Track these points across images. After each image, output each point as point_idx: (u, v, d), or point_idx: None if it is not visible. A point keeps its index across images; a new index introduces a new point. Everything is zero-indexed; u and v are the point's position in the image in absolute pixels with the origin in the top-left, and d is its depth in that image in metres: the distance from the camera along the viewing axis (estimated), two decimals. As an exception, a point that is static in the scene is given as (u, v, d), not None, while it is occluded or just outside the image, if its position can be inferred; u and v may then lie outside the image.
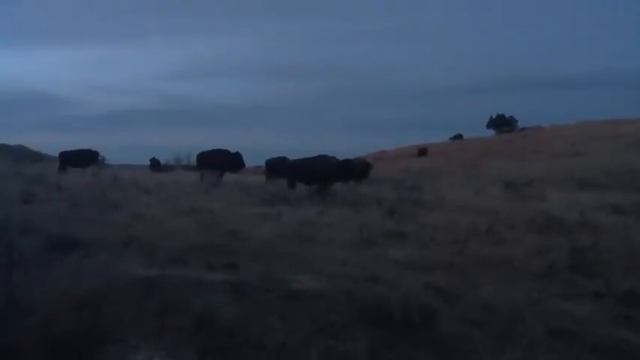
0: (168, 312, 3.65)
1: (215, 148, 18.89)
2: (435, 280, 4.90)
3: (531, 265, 6.01)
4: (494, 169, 24.80)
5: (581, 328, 3.93)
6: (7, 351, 2.89)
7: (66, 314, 3.21)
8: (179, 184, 15.46)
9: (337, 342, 3.39)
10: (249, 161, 20.16)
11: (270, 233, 7.44)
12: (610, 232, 8.24)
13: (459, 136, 50.43)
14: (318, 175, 14.25)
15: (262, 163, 22.52)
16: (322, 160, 14.53)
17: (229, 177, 17.89)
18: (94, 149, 22.15)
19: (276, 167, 18.52)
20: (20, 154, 33.62)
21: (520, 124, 49.23)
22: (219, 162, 17.88)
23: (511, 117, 51.14)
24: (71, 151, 21.55)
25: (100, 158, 23.23)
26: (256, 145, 60.24)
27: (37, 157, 35.05)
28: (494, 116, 51.47)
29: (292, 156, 17.08)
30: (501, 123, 50.46)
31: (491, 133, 49.53)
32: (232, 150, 18.45)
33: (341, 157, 15.30)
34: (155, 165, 28.53)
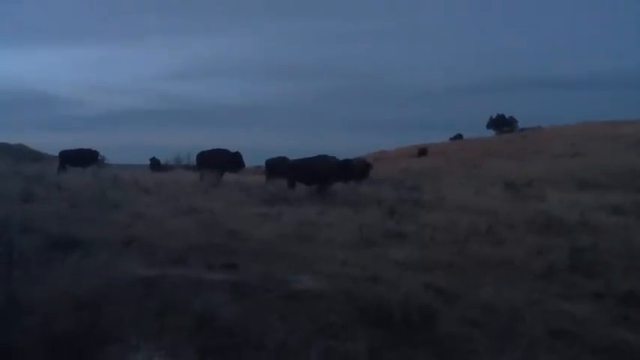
0: (168, 312, 3.65)
1: (215, 147, 18.87)
2: (435, 281, 4.90)
3: (531, 265, 6.01)
4: (494, 169, 24.81)
5: (581, 329, 3.93)
6: (7, 350, 2.89)
7: (66, 314, 3.21)
8: (179, 183, 15.45)
9: (337, 342, 3.39)
10: (249, 161, 20.16)
11: (270, 233, 7.44)
12: (610, 233, 8.24)
13: (459, 137, 50.45)
14: (318, 175, 14.25)
15: (262, 163, 22.52)
16: (322, 160, 14.53)
17: (229, 177, 17.87)
18: (94, 149, 22.17)
19: (276, 167, 18.52)
20: (20, 154, 33.60)
21: (520, 125, 49.26)
22: (219, 162, 17.86)
23: (511, 117, 51.16)
24: (71, 151, 21.53)
25: (100, 158, 23.22)
26: (256, 145, 60.34)
27: (37, 157, 35.07)
28: (494, 116, 51.48)
29: (292, 156, 17.09)
30: (501, 123, 50.48)
31: (491, 133, 49.56)
32: (232, 150, 18.45)
33: (341, 157, 15.32)
34: (155, 165, 28.51)
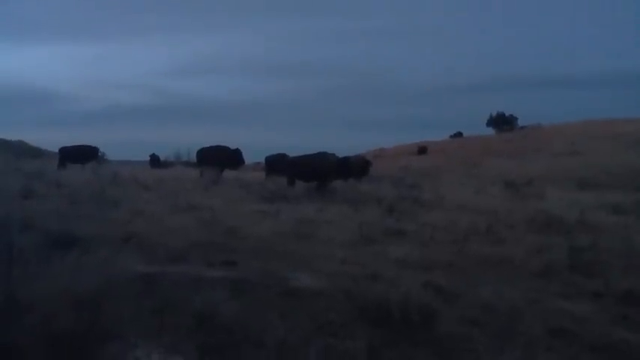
0: (167, 309, 3.66)
1: (215, 144, 18.88)
2: (434, 279, 4.90)
3: (531, 264, 6.02)
4: (494, 167, 24.79)
5: (580, 328, 3.94)
6: (7, 349, 2.89)
7: (66, 311, 3.20)
8: (179, 180, 15.46)
9: (336, 340, 3.39)
10: (248, 158, 20.17)
11: (270, 231, 7.45)
12: (609, 232, 8.24)
13: (458, 134, 50.37)
14: (318, 172, 14.25)
15: (262, 160, 22.54)
16: (322, 157, 14.53)
17: (229, 173, 17.88)
18: (93, 145, 22.17)
19: (276, 164, 18.54)
20: (20, 150, 33.54)
21: (520, 123, 49.15)
22: (219, 158, 17.87)
23: (511, 115, 51.00)
24: (71, 147, 21.51)
25: (99, 154, 23.22)
26: (256, 142, 60.24)
27: (36, 153, 35.00)
28: (494, 115, 51.38)
29: (292, 153, 17.11)
30: (501, 121, 50.33)
31: (491, 131, 49.43)
32: (232, 146, 18.46)
33: (340, 154, 15.33)
34: (155, 161, 28.52)
